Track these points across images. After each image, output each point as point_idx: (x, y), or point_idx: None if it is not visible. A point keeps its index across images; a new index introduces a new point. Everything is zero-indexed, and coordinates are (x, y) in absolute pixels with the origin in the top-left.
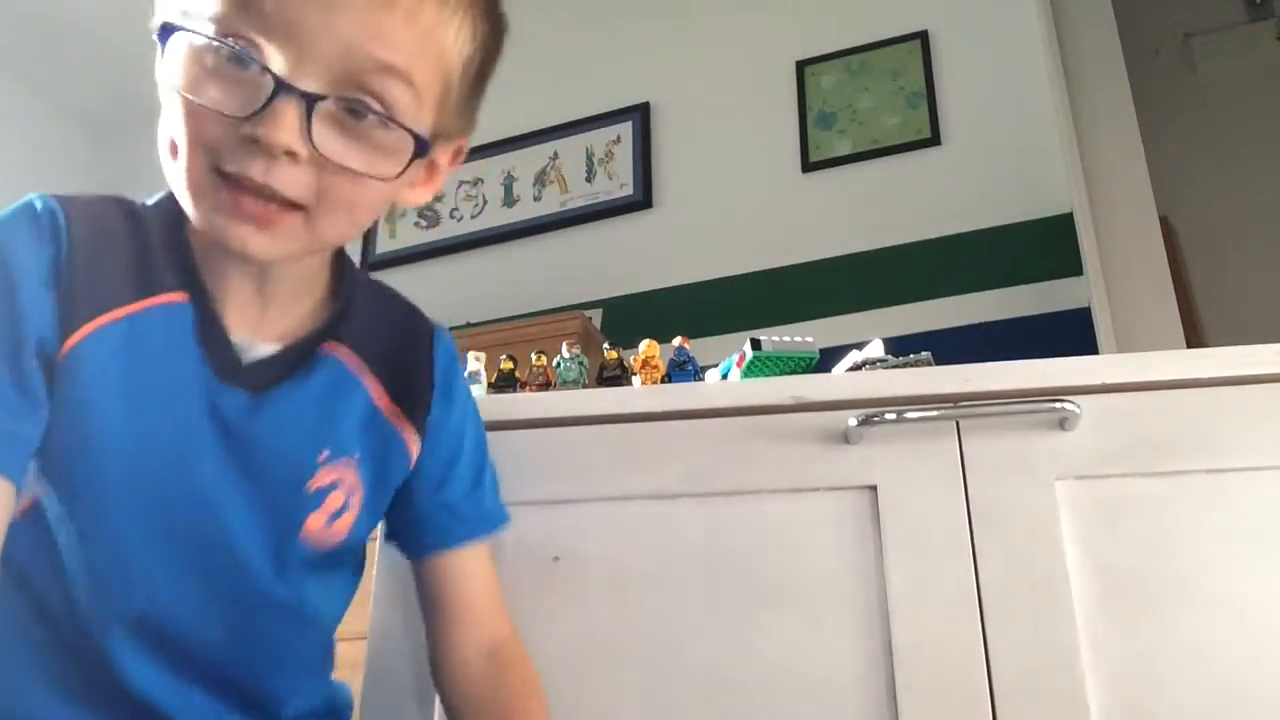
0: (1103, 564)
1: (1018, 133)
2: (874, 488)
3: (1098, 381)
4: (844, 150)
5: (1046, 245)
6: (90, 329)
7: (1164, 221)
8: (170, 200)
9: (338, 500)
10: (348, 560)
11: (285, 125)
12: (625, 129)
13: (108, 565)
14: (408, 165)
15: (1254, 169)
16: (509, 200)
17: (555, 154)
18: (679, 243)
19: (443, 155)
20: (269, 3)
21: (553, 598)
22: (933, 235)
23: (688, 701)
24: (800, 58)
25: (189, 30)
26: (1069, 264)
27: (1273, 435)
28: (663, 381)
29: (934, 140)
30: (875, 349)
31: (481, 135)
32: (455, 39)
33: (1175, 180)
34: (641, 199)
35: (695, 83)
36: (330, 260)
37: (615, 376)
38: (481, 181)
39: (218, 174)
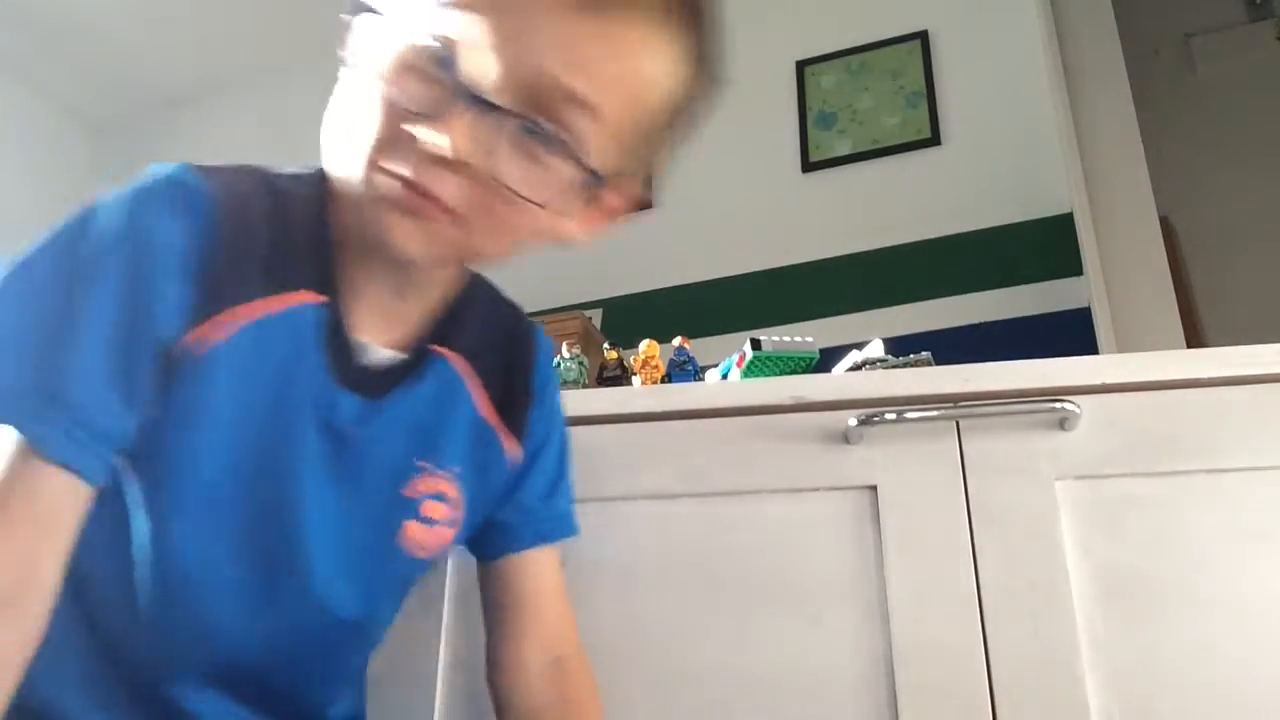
0: (1103, 564)
1: (1018, 133)
2: (874, 488)
3: (1098, 381)
4: (844, 150)
5: (1046, 245)
6: (222, 327)
7: (1164, 221)
8: (315, 182)
9: (438, 510)
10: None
11: (461, 133)
12: None
13: (174, 567)
14: (573, 198)
15: (1254, 169)
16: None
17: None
18: (679, 243)
19: (619, 197)
20: (481, 12)
21: None
22: (933, 235)
23: (688, 701)
24: (800, 58)
25: (387, 19)
26: (1069, 264)
27: (1273, 435)
28: (663, 381)
29: (934, 140)
30: (875, 349)
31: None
32: (658, 79)
33: (1175, 180)
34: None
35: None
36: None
37: (615, 376)
38: None
39: (384, 170)
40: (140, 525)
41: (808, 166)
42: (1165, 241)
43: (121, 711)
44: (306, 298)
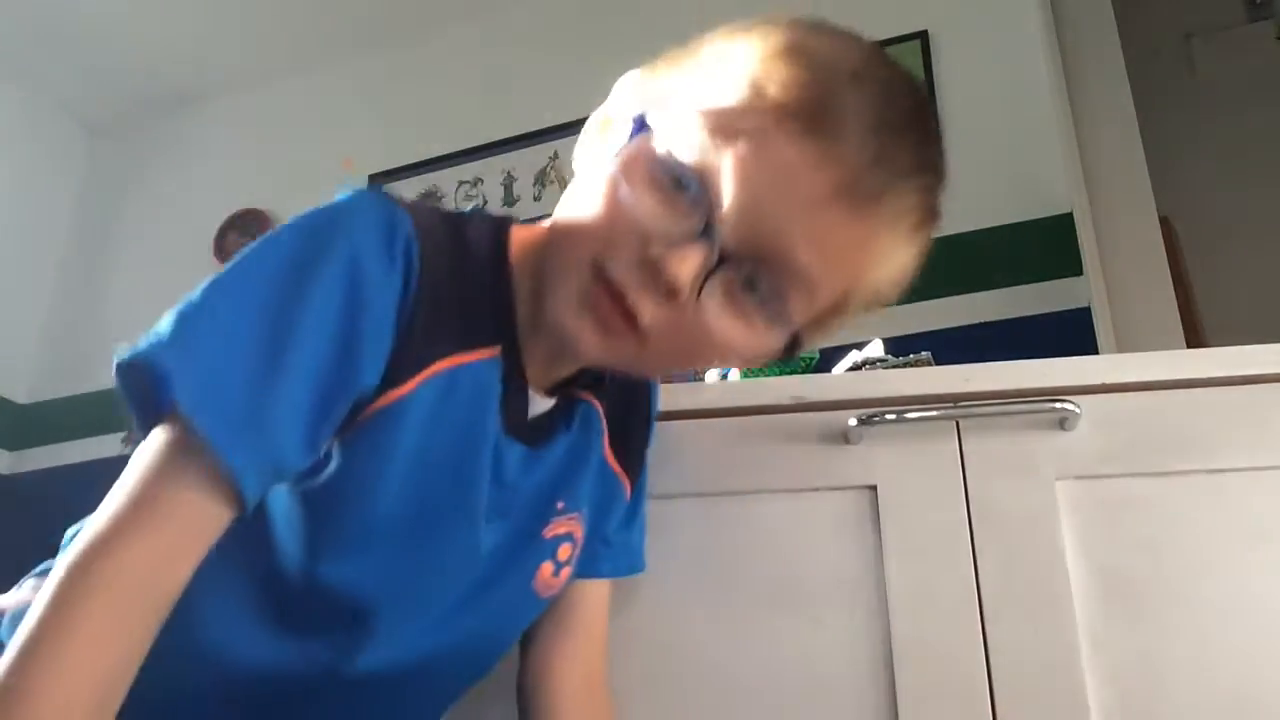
0: (1103, 564)
1: (1018, 133)
2: (874, 488)
3: (1098, 381)
4: None
5: (1046, 245)
6: (416, 383)
7: (1164, 221)
8: (496, 231)
9: (566, 552)
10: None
11: (688, 266)
12: None
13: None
14: (764, 357)
15: (1254, 169)
16: (509, 200)
17: (555, 154)
18: None
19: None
20: (751, 153)
21: None
22: (933, 235)
23: (688, 701)
24: None
25: (654, 135)
26: (1069, 264)
27: (1273, 435)
28: (663, 381)
29: None
30: (875, 349)
31: (481, 135)
32: (878, 276)
33: (1175, 180)
34: None
35: None
36: None
37: None
38: (481, 181)
39: (594, 266)
40: (290, 550)
41: None
42: (1165, 241)
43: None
44: (490, 353)
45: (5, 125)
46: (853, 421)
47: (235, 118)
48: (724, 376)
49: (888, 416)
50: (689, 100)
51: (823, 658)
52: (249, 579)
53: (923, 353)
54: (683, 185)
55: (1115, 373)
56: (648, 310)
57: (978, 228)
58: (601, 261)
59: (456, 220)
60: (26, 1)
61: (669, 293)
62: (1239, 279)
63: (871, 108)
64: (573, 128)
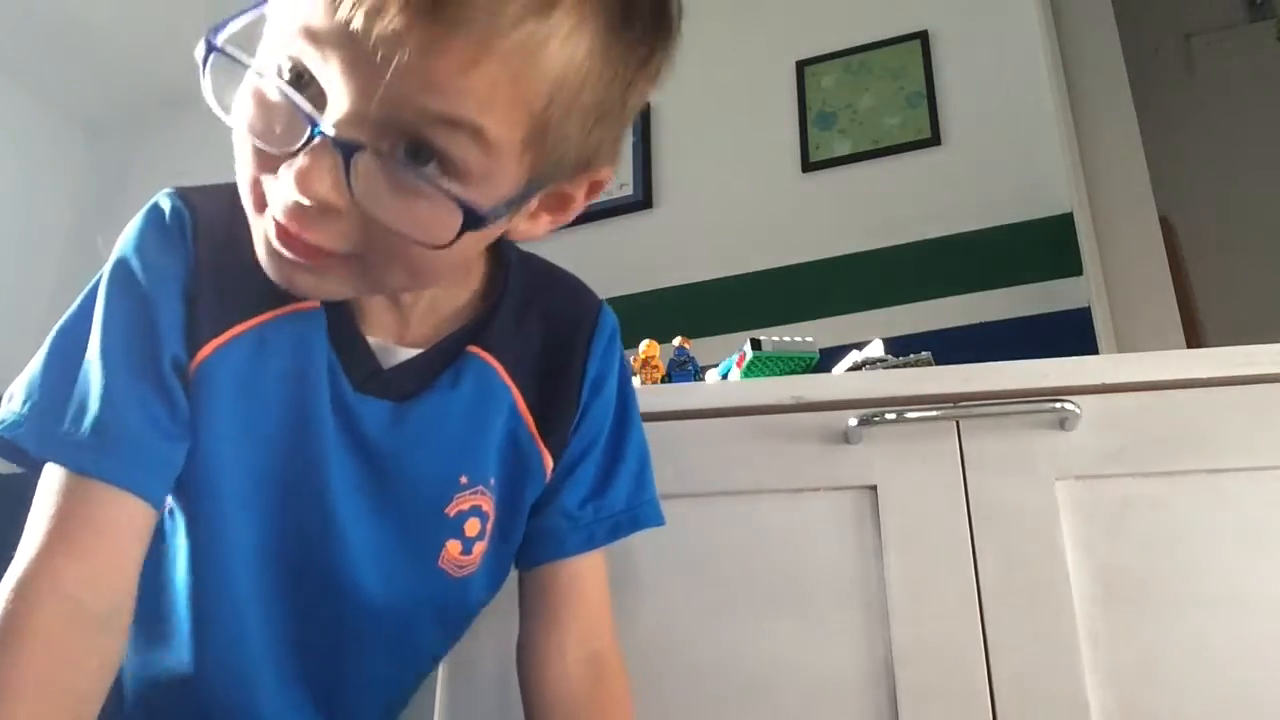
0: (1103, 564)
1: (1018, 133)
2: (874, 488)
3: (1098, 381)
4: (844, 150)
5: (1046, 245)
6: (218, 343)
7: (1164, 221)
8: None
9: (475, 527)
10: (474, 599)
11: (317, 175)
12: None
13: (211, 585)
14: (455, 238)
15: (1254, 169)
16: None
17: None
18: (679, 243)
19: (574, 187)
20: (328, 38)
21: None
22: (933, 235)
23: (688, 701)
24: (800, 58)
25: (229, 55)
26: (1069, 264)
27: (1273, 435)
28: (663, 381)
29: (934, 140)
30: (875, 349)
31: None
32: (546, 73)
33: (1175, 180)
34: (641, 199)
35: (695, 83)
36: (486, 250)
37: None
38: None
39: (269, 213)
40: (179, 554)
41: (808, 166)
42: (1165, 241)
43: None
44: (303, 306)
45: (5, 125)
46: (853, 421)
47: None
48: (724, 376)
49: (888, 416)
50: (272, 16)
51: (823, 658)
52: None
53: (923, 353)
54: (284, 96)
55: (1115, 373)
56: (323, 234)
57: (978, 228)
58: (265, 202)
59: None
60: (26, 2)
61: (321, 208)
62: (1239, 279)
63: None
64: None
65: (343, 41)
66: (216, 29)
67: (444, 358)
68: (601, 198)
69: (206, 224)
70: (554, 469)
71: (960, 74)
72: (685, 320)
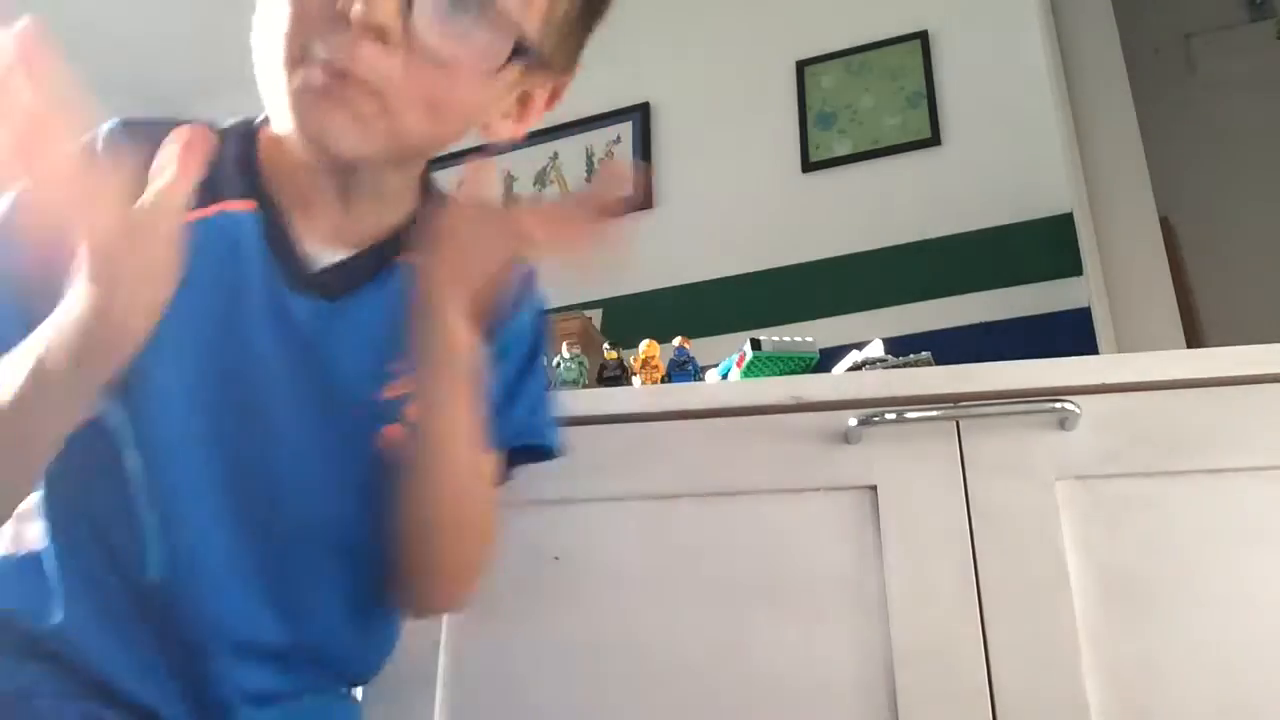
0: (1103, 564)
1: (1018, 133)
2: (874, 488)
3: (1098, 381)
4: (844, 150)
5: (1046, 245)
6: None
7: (1164, 221)
8: (243, 123)
9: (414, 412)
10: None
11: (381, 2)
12: (625, 129)
13: (168, 502)
14: (502, 66)
15: (1254, 169)
16: (509, 200)
17: (555, 154)
18: (679, 243)
19: (539, 90)
20: None
21: (553, 598)
22: (933, 235)
23: (687, 702)
24: (800, 58)
25: None
26: (1069, 264)
27: (1273, 435)
28: (663, 381)
29: (934, 140)
30: (875, 349)
31: (481, 136)
32: None
33: (1175, 180)
34: (641, 199)
35: (695, 83)
36: (418, 183)
37: (615, 376)
38: None
39: (308, 58)
40: (133, 463)
41: (808, 166)
42: (1165, 241)
43: (163, 683)
44: (234, 205)
45: None
46: (853, 421)
47: (234, 117)
48: (724, 376)
49: (888, 416)
50: None
51: (823, 658)
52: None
53: (923, 353)
54: None
55: (1115, 373)
56: (366, 63)
57: (978, 228)
58: (307, 49)
59: (217, 123)
60: (26, 2)
61: (377, 32)
62: (1239, 279)
63: None
64: (572, 128)
65: None
66: None
67: (375, 261)
68: None
69: (138, 136)
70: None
71: (960, 74)
72: (685, 320)
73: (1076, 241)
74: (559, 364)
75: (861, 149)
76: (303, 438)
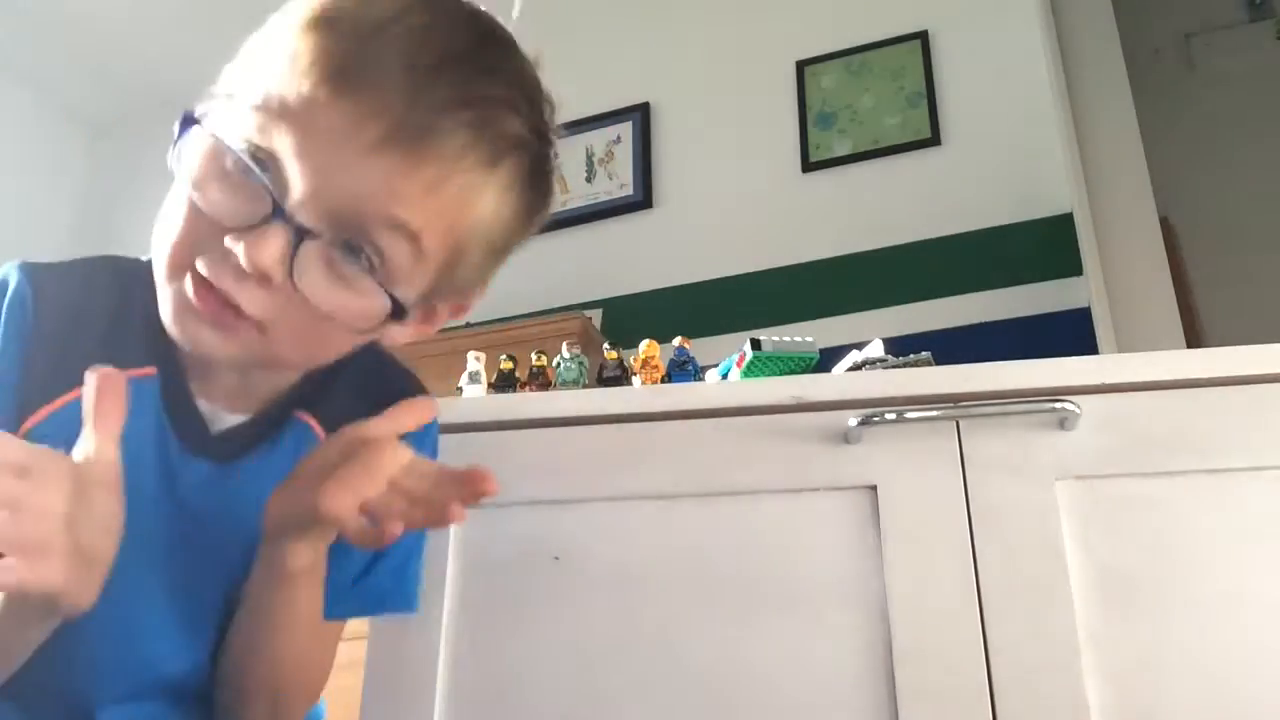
0: (1103, 564)
1: (1018, 133)
2: (874, 488)
3: (1098, 381)
4: (844, 150)
5: (1046, 245)
6: (51, 409)
7: (1164, 221)
8: (148, 270)
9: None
10: None
11: (269, 250)
12: (625, 129)
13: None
14: (379, 325)
15: (1254, 169)
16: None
17: (555, 154)
18: (679, 243)
19: (443, 305)
20: (301, 130)
21: (553, 598)
22: (933, 235)
23: (687, 701)
24: (800, 58)
25: (208, 129)
26: (1069, 264)
27: (1273, 435)
28: (663, 381)
29: (934, 140)
30: (875, 349)
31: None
32: (478, 213)
33: (1175, 180)
34: (641, 199)
35: (695, 83)
36: None
37: (615, 376)
38: None
39: (191, 269)
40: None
41: (808, 166)
42: (1165, 241)
43: None
44: (139, 372)
45: (6, 125)
46: (853, 421)
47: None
48: (724, 376)
49: (888, 416)
50: (243, 88)
51: (823, 658)
52: None
53: (923, 353)
54: (250, 172)
55: (1115, 373)
56: (247, 298)
57: (978, 228)
58: (189, 262)
59: (126, 264)
60: (27, 2)
61: (259, 278)
62: (1239, 279)
63: (400, 53)
64: (573, 127)
65: (319, 136)
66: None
67: (270, 423)
68: (602, 198)
69: (47, 299)
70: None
71: (960, 74)
72: (685, 320)
73: (1076, 241)
74: (559, 364)
75: (861, 149)
76: (160, 585)
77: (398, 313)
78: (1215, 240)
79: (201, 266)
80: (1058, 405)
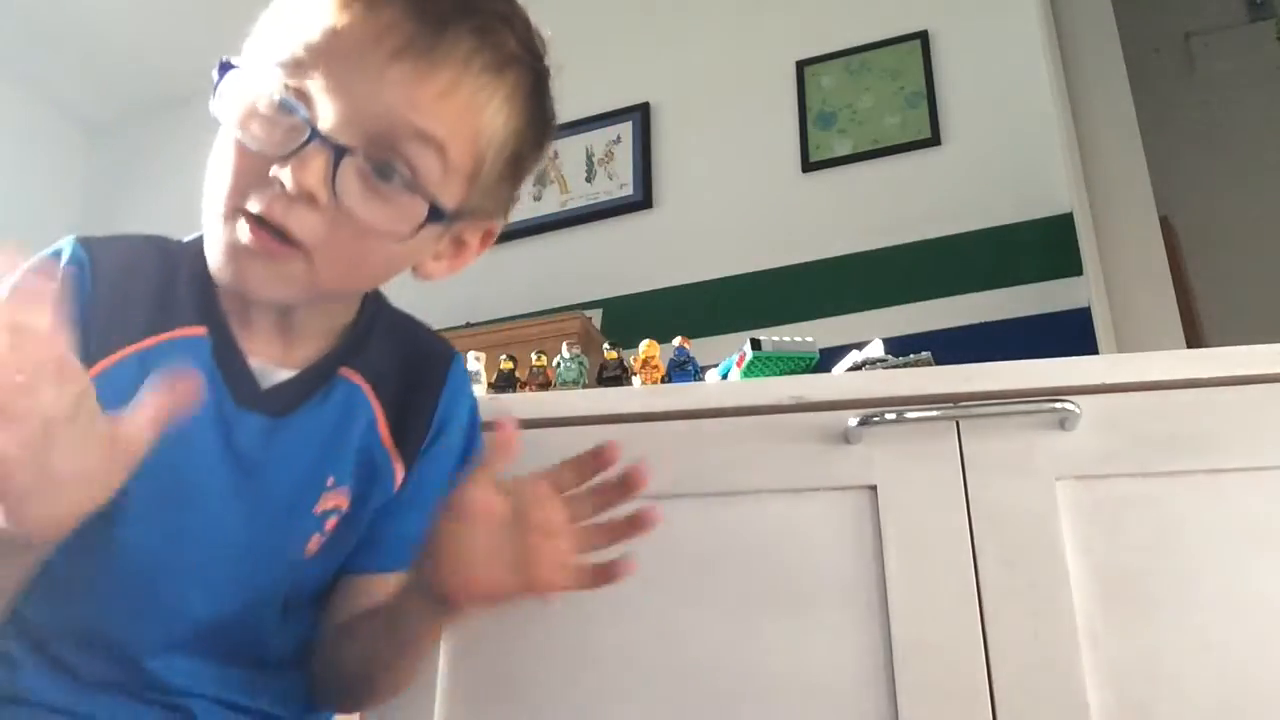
0: (1103, 564)
1: (1018, 133)
2: (874, 488)
3: (1098, 381)
4: (844, 150)
5: (1046, 245)
6: (105, 364)
7: (1164, 221)
8: (200, 240)
9: (333, 524)
10: (310, 586)
11: (311, 170)
12: (625, 129)
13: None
14: (418, 229)
15: (1254, 169)
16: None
17: (555, 154)
18: (679, 243)
19: (471, 234)
20: (325, 62)
21: (553, 598)
22: (933, 235)
23: (687, 702)
24: (800, 58)
25: (245, 70)
26: (1069, 264)
27: (1273, 435)
28: (663, 381)
29: (934, 140)
30: (875, 349)
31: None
32: (491, 121)
33: (1175, 180)
34: (641, 199)
35: (695, 83)
36: (356, 297)
37: (615, 376)
38: None
39: (244, 211)
40: (82, 568)
41: (808, 166)
42: (1165, 241)
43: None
44: (189, 331)
45: (5, 125)
46: (853, 421)
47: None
48: (724, 376)
49: (888, 416)
50: (268, 44)
51: (823, 658)
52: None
53: (923, 353)
54: (286, 107)
55: (1115, 373)
56: (295, 222)
57: (978, 228)
58: (242, 204)
59: (170, 242)
60: (26, 2)
61: (306, 199)
62: (1239, 279)
63: None
64: (573, 127)
65: (343, 61)
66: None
67: (318, 378)
68: (602, 198)
69: (102, 263)
70: (402, 481)
71: (960, 74)
72: (685, 320)
73: (1076, 241)
74: (559, 364)
75: (861, 149)
76: (224, 541)
77: (435, 214)
78: (1215, 240)
79: (253, 204)
80: (1058, 405)
